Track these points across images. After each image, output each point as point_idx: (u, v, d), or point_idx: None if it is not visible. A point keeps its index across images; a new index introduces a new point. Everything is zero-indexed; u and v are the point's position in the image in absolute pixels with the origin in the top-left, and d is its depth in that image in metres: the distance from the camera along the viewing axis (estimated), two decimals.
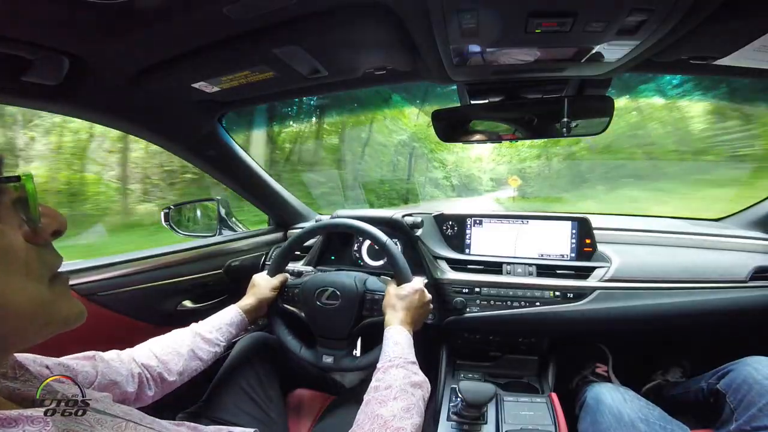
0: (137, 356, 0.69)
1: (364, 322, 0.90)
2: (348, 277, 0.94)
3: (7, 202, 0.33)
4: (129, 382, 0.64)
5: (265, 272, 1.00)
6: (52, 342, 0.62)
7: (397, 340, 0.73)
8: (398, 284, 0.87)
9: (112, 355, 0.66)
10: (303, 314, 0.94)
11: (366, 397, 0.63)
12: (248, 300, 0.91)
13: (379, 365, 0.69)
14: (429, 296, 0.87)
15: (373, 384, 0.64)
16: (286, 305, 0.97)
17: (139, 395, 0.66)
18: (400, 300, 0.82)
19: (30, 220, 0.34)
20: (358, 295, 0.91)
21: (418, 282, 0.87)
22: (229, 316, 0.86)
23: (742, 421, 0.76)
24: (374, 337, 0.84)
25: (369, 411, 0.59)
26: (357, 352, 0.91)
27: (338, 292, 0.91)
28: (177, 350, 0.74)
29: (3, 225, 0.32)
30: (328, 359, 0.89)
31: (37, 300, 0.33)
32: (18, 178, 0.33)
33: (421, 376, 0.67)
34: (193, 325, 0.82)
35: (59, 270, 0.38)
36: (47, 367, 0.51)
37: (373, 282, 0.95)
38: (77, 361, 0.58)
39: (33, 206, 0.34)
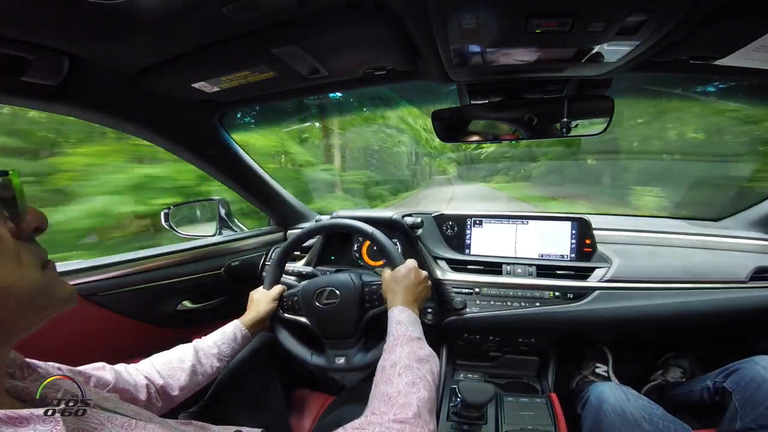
0: (140, 370, 0.70)
1: (368, 315, 0.90)
2: (344, 275, 0.94)
3: None
4: (139, 391, 0.64)
5: (261, 287, 0.99)
6: (52, 340, 0.62)
7: (400, 319, 0.73)
8: (392, 269, 0.88)
9: (119, 367, 0.67)
10: (306, 320, 0.93)
11: (375, 380, 0.63)
12: (249, 315, 0.91)
13: (384, 347, 0.69)
14: (424, 273, 0.88)
15: (379, 365, 0.65)
16: (287, 314, 0.96)
17: (148, 405, 0.66)
18: (397, 282, 0.83)
19: (16, 215, 0.35)
20: (356, 290, 0.91)
21: (410, 262, 0.88)
22: (231, 331, 0.85)
23: (749, 420, 0.75)
24: (383, 330, 0.83)
25: (377, 392, 0.59)
26: (367, 347, 0.90)
27: (337, 291, 0.91)
28: (179, 366, 0.74)
29: None
30: (340, 360, 0.88)
31: (35, 285, 0.35)
32: (6, 173, 0.34)
33: (426, 350, 0.67)
34: (196, 341, 0.81)
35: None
36: (59, 369, 0.51)
37: (369, 275, 0.96)
38: (88, 371, 0.59)
39: (20, 202, 0.35)
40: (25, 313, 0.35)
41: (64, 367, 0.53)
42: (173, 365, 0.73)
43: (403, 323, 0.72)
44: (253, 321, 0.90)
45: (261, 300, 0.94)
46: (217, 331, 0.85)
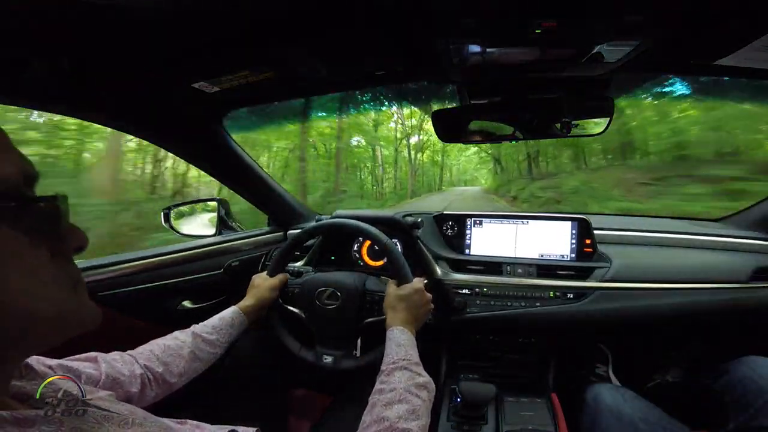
0: (139, 358, 0.69)
1: (365, 323, 0.90)
2: (348, 278, 0.94)
3: (39, 219, 0.35)
4: (132, 383, 0.64)
5: (264, 273, 0.99)
6: None
7: (400, 341, 0.72)
8: (398, 284, 0.87)
9: (114, 355, 0.66)
10: (303, 314, 0.94)
11: (371, 400, 0.63)
12: (248, 301, 0.91)
13: (383, 367, 0.68)
14: (429, 296, 0.87)
15: (377, 386, 0.64)
16: (286, 305, 0.96)
17: (141, 396, 0.66)
18: (401, 301, 0.82)
19: (58, 237, 0.36)
20: (358, 296, 0.90)
21: (418, 282, 0.87)
22: (229, 317, 0.85)
23: (740, 421, 0.76)
24: (374, 337, 0.83)
25: (375, 414, 0.59)
26: (357, 352, 0.91)
27: (338, 293, 0.91)
28: (178, 352, 0.74)
29: (33, 239, 0.34)
30: (327, 359, 0.89)
31: (64, 308, 0.36)
32: (55, 198, 0.36)
33: (425, 377, 0.67)
34: (193, 326, 0.81)
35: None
36: (50, 367, 0.51)
37: (373, 282, 0.95)
38: (79, 362, 0.59)
39: (64, 224, 0.37)
40: (49, 334, 0.35)
41: (54, 362, 0.52)
42: (172, 351, 0.73)
43: (403, 346, 0.71)
44: (252, 308, 0.89)
45: (262, 287, 0.94)
46: (215, 316, 0.85)
